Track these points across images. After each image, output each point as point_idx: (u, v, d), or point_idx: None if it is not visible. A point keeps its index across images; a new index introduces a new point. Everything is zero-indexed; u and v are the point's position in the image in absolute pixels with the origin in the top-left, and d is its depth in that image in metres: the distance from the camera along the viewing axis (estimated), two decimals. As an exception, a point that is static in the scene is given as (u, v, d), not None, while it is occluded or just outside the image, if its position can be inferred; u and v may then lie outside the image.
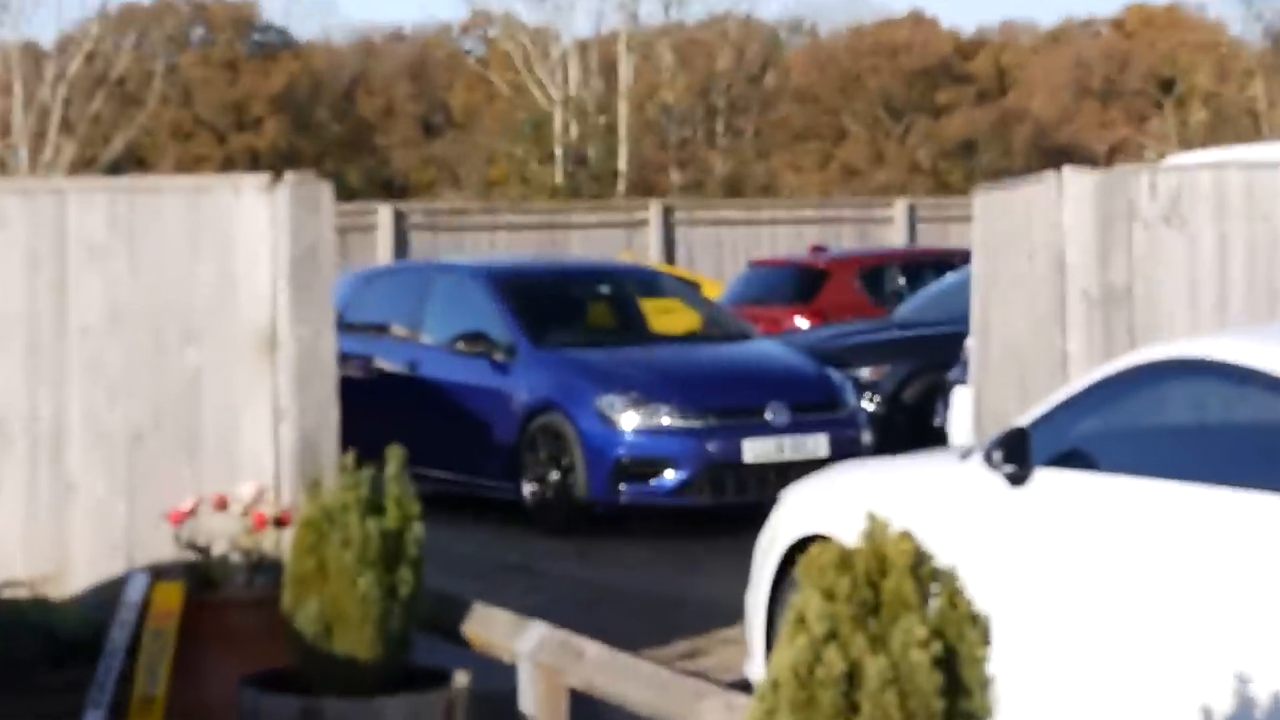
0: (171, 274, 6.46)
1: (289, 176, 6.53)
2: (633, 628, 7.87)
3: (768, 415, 10.51)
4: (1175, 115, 26.40)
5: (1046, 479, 5.38)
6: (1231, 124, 24.24)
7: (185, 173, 30.41)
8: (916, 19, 36.96)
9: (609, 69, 27.67)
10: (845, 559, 2.92)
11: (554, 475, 10.76)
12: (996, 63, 38.22)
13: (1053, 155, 26.16)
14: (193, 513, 6.00)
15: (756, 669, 6.30)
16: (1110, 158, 22.61)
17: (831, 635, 2.85)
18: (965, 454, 5.99)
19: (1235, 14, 30.11)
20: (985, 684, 3.03)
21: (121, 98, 25.43)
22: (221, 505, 5.99)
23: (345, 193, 28.54)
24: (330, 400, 6.51)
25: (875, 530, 2.98)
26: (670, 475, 10.46)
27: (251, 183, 6.56)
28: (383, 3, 75.25)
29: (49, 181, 15.08)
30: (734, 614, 7.40)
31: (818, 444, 10.41)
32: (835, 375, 11.37)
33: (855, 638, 2.87)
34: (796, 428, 10.50)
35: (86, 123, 24.66)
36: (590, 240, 20.61)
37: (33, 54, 25.93)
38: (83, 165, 26.35)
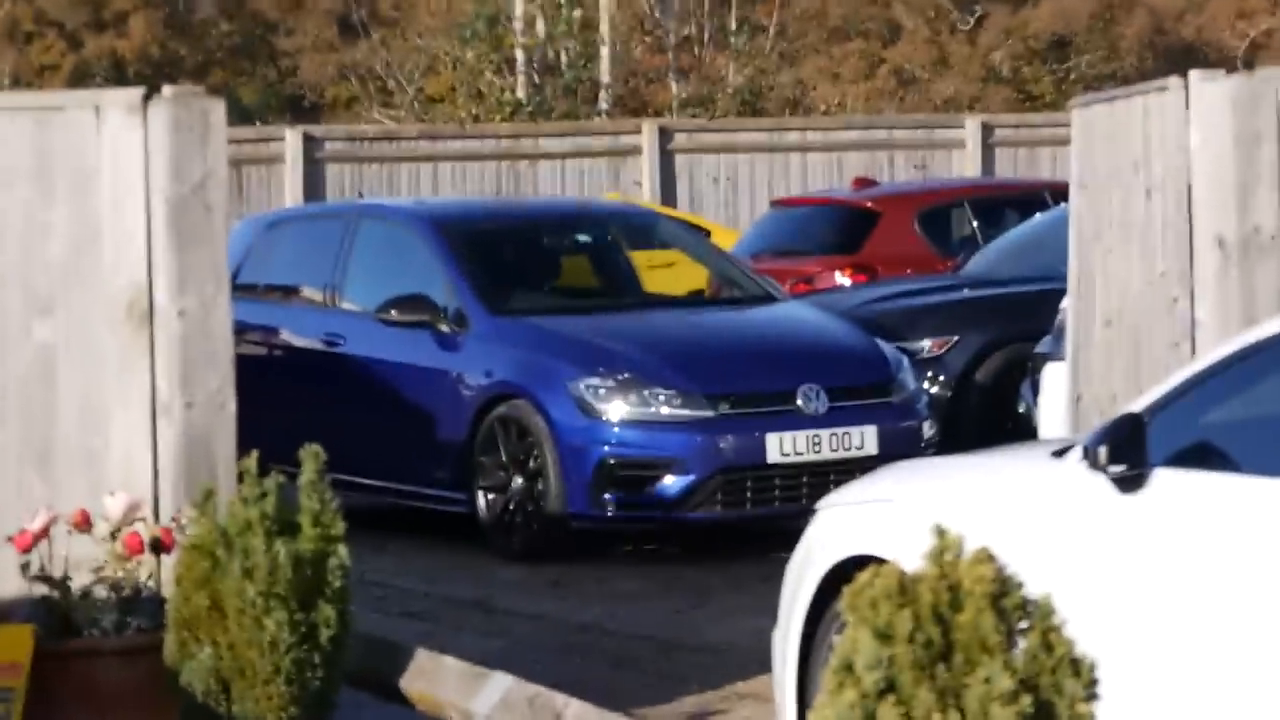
0: (13, 222, 6.63)
1: (167, 91, 6.63)
2: (622, 680, 8.25)
3: (799, 402, 10.67)
4: None
5: (1168, 482, 5.46)
6: None
7: (27, 87, 30.38)
8: None
9: None
10: (905, 588, 3.00)
11: (518, 482, 10.90)
12: None
13: (1174, 56, 26.34)
14: (45, 534, 6.15)
15: None
16: (1249, 58, 22.90)
17: (888, 688, 2.91)
18: (1060, 450, 6.04)
19: None
20: None
21: None
22: (83, 524, 6.14)
23: (239, 113, 28.63)
24: (226, 388, 6.75)
25: (945, 550, 3.07)
26: (671, 481, 10.59)
27: (118, 100, 6.68)
28: None
29: None
30: (755, 661, 7.64)
31: (864, 438, 10.59)
32: (887, 349, 11.52)
33: (919, 691, 2.92)
34: (837, 418, 10.65)
35: None
36: (564, 174, 21.04)
37: None
38: None
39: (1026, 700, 3.04)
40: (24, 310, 6.95)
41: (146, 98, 6.80)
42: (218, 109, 7.03)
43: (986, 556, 3.17)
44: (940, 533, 3.24)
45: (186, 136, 6.82)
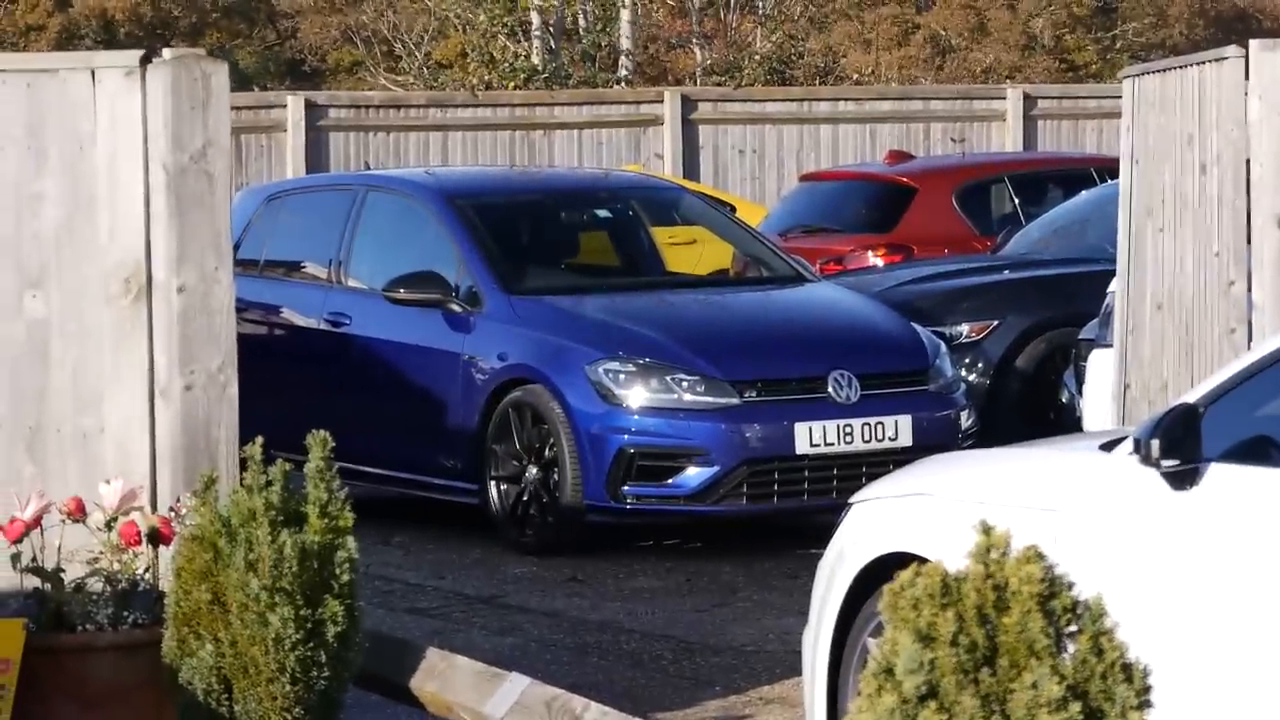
0: (3, 191, 6.65)
1: (167, 54, 6.59)
2: (642, 682, 8.32)
3: (830, 389, 10.65)
4: None
5: (1224, 478, 5.53)
6: None
7: (12, 49, 30.54)
8: None
9: None
10: (948, 588, 2.94)
11: (532, 472, 10.95)
12: None
13: (1225, 23, 26.26)
14: (37, 523, 6.19)
15: None
16: None
17: (930, 693, 2.87)
18: (1109, 443, 6.10)
19: None
20: None
21: None
22: (77, 513, 6.21)
23: (238, 78, 28.73)
24: (227, 369, 6.76)
25: (991, 548, 2.99)
26: (693, 472, 10.59)
27: (114, 63, 6.68)
28: None
29: None
30: (783, 663, 8.00)
31: (899, 428, 10.56)
32: (923, 333, 11.49)
33: (963, 696, 2.88)
34: (870, 406, 10.65)
35: None
36: (581, 145, 21.12)
37: None
38: None
39: (1075, 708, 3.00)
40: (15, 283, 6.98)
41: (145, 60, 6.77)
42: (220, 73, 7.02)
43: (1035, 555, 3.08)
44: (986, 530, 3.16)
45: (187, 102, 6.82)
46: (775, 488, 10.77)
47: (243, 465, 6.10)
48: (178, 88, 6.84)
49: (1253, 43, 9.44)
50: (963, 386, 11.87)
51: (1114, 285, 10.63)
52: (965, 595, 3.05)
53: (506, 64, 26.59)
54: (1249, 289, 9.34)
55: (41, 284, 6.99)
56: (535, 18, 27.94)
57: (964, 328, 12.85)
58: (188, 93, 6.89)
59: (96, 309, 7.01)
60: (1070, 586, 3.08)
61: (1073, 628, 3.06)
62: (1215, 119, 9.91)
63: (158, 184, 6.83)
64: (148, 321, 6.96)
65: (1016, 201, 16.49)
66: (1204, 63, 9.99)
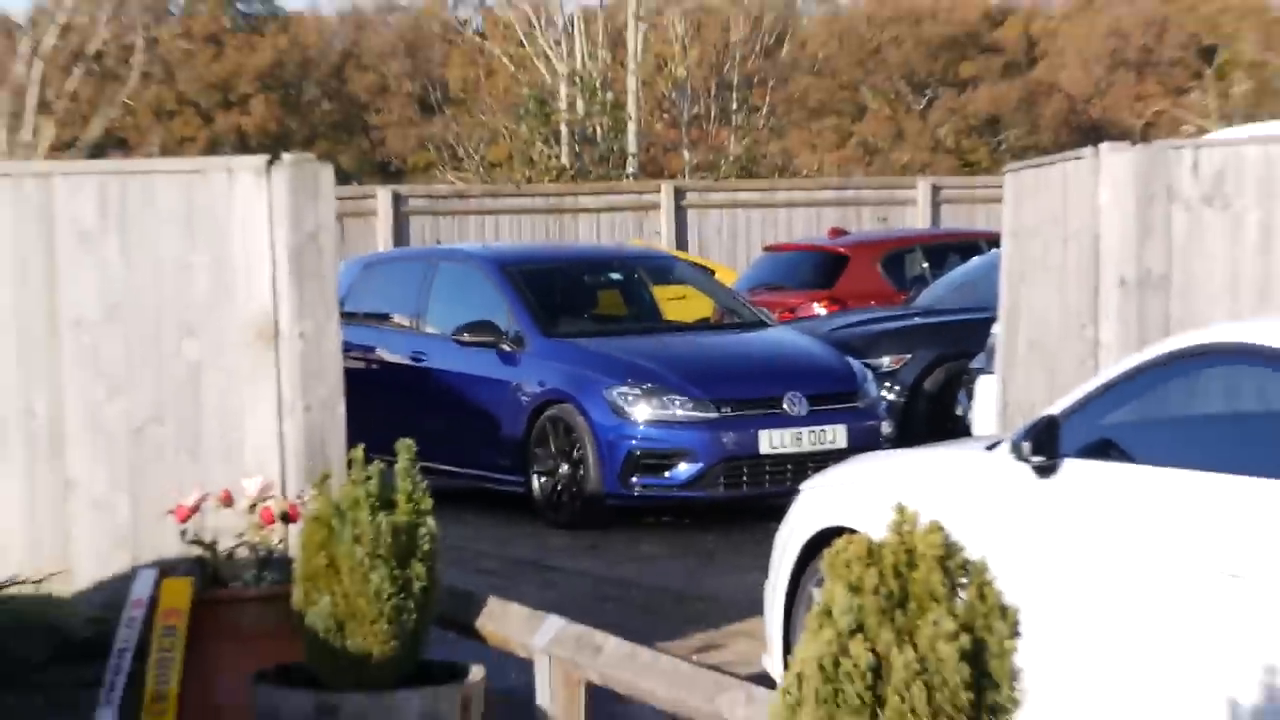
0: (167, 263, 6.56)
1: (287, 158, 6.61)
2: (647, 622, 8.26)
3: (785, 406, 10.72)
4: (1216, 87, 26.58)
5: (1076, 470, 5.50)
6: (1278, 96, 24.66)
7: (170, 155, 30.25)
8: None
9: (617, 41, 28.36)
10: (872, 552, 3.06)
11: (564, 469, 11.08)
12: (1025, 32, 38.45)
13: (1084, 132, 25.68)
14: (198, 508, 6.17)
15: (774, 663, 6.45)
16: (1146, 133, 22.44)
17: (858, 628, 2.99)
18: (991, 445, 6.12)
19: None
20: (1013, 677, 3.15)
21: (101, 74, 25.69)
22: (227, 500, 6.17)
23: (340, 176, 28.68)
24: (336, 394, 6.68)
25: (904, 522, 3.11)
26: (684, 468, 10.74)
27: (247, 165, 6.62)
28: None
29: (33, 164, 15.16)
30: (748, 608, 7.82)
31: (836, 435, 10.68)
32: (855, 364, 11.64)
33: (882, 631, 3.02)
34: (815, 418, 10.72)
35: (64, 101, 24.90)
36: (599, 225, 20.96)
37: (5, 28, 26.07)
38: (63, 147, 26.39)
39: (965, 639, 3.10)
40: (177, 332, 6.79)
41: (270, 163, 6.75)
42: (326, 172, 6.97)
43: (936, 527, 3.21)
44: (900, 509, 3.28)
45: (302, 195, 6.74)
46: (744, 479, 10.82)
47: (349, 465, 5.99)
48: (295, 184, 6.73)
49: (1103, 146, 9.24)
50: (884, 403, 12.00)
51: (996, 328, 10.37)
52: (884, 557, 3.18)
53: (542, 164, 26.42)
54: (1096, 331, 9.06)
55: (196, 333, 6.78)
56: (564, 129, 27.82)
57: (885, 360, 12.69)
58: (303, 188, 6.79)
59: (237, 351, 6.82)
60: (961, 550, 3.19)
61: (963, 580, 3.16)
62: (1074, 203, 9.67)
63: (281, 257, 6.63)
64: (275, 361, 6.82)
65: (925, 266, 16.13)
66: (1067, 160, 9.81)
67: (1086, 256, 9.09)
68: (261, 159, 6.71)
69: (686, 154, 28.39)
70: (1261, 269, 8.63)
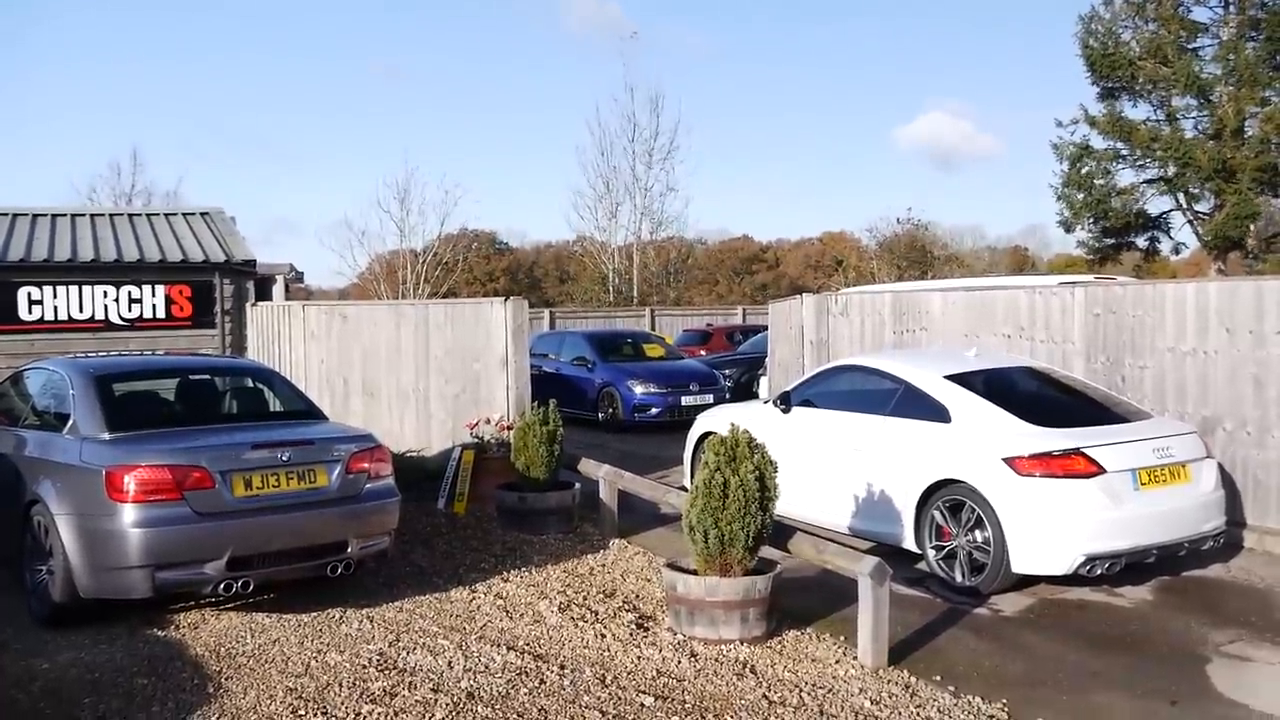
0: (468, 335, 13.01)
1: (511, 299, 13.17)
2: (643, 467, 13.75)
3: (691, 388, 18.72)
4: (842, 275, 47.33)
5: (797, 412, 10.69)
6: (864, 279, 42.58)
7: (471, 297, 45.05)
8: (746, 238, 77.97)
9: (630, 254, 47.61)
10: (723, 440, 7.49)
11: (611, 410, 19.50)
12: (775, 254, 76.46)
13: (798, 290, 40.41)
14: (477, 424, 12.67)
15: (687, 482, 11.56)
16: (818, 289, 34.78)
17: (718, 468, 7.40)
18: (766, 401, 11.57)
19: (866, 236, 55.08)
20: (775, 486, 7.51)
21: (447, 267, 43.36)
22: (488, 421, 12.50)
23: (532, 305, 45.56)
24: (527, 384, 13.15)
25: (734, 430, 7.55)
26: (655, 411, 18.80)
27: (498, 300, 13.26)
28: (545, 224, 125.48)
29: (421, 301, 22.27)
30: (677, 461, 13.57)
31: (708, 399, 18.43)
32: (716, 373, 19.51)
33: (726, 470, 7.40)
34: (701, 392, 18.50)
35: (434, 280, 42.54)
36: (623, 323, 34.11)
37: (411, 252, 44.10)
38: (431, 295, 42.69)
39: (756, 472, 7.36)
40: (472, 360, 13.00)
41: (505, 298, 13.03)
42: (524, 303, 13.28)
43: (746, 432, 7.47)
44: (733, 426, 7.59)
45: (516, 310, 12.98)
46: (676, 415, 18.96)
47: (533, 409, 11.29)
48: (514, 307, 13.06)
49: (805, 295, 15.15)
50: (727, 386, 19.47)
51: (768, 360, 17.12)
52: (728, 440, 7.56)
53: (602, 300, 40.80)
54: (803, 361, 14.43)
55: (480, 360, 12.96)
56: (610, 287, 41.65)
57: (727, 370, 21.16)
58: (517, 308, 13.05)
59: (494, 368, 12.99)
60: (754, 440, 7.53)
61: (756, 454, 7.45)
62: (796, 314, 15.06)
63: (509, 333, 13.09)
64: (506, 372, 13.00)
65: (740, 336, 26.97)
66: (791, 298, 15.38)
67: (797, 333, 14.89)
68: (502, 298, 13.22)
69: (657, 293, 43.03)
70: (861, 340, 14.09)
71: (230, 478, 7.63)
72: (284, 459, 7.89)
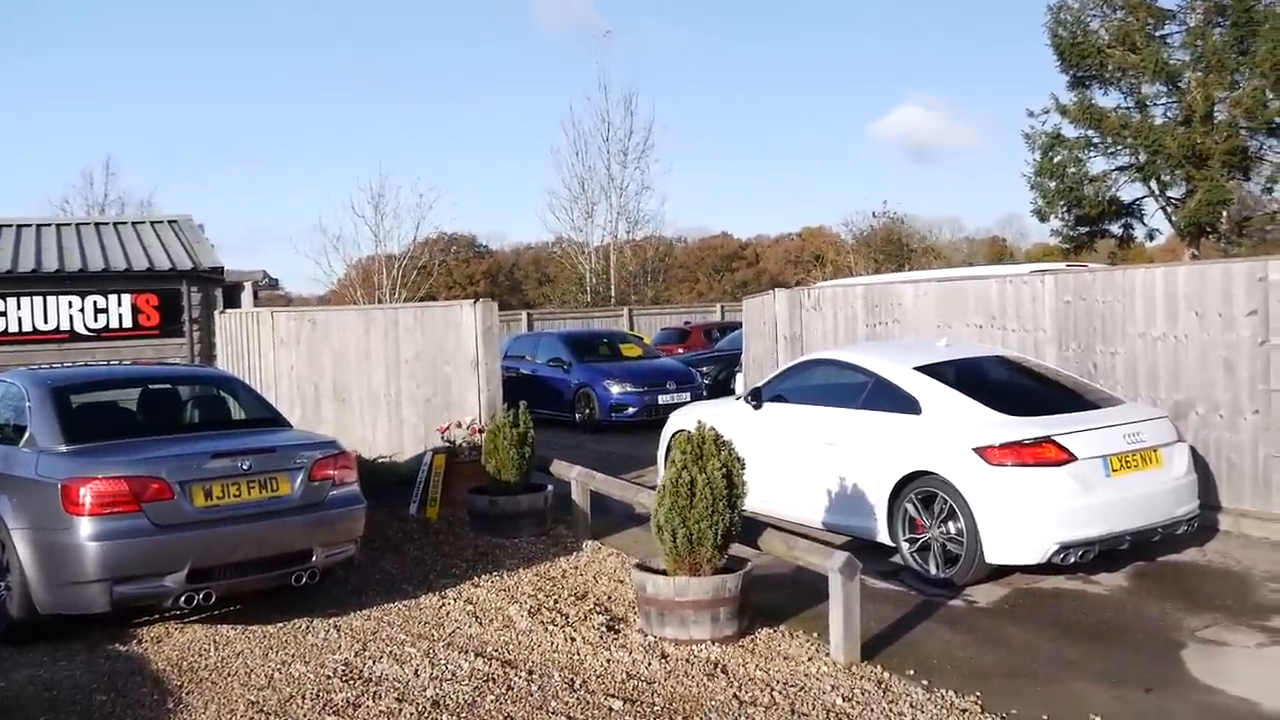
0: (438, 338, 12.91)
1: (480, 301, 13.06)
2: (619, 467, 13.87)
3: (668, 386, 18.39)
4: (820, 270, 47.88)
5: (769, 407, 10.62)
6: (842, 273, 43.41)
7: (445, 299, 45.14)
8: (725, 235, 78.12)
9: (608, 254, 47.58)
10: (690, 437, 7.45)
11: (588, 411, 18.69)
12: (755, 251, 76.22)
13: (778, 286, 41.69)
14: (448, 428, 12.35)
15: (659, 480, 8.21)
16: (798, 284, 34.83)
17: (685, 467, 7.28)
18: (738, 398, 11.27)
19: (844, 230, 57.02)
20: (743, 483, 7.38)
21: (425, 271, 44.09)
22: (459, 425, 12.36)
23: (508, 307, 44.70)
24: (498, 386, 12.95)
25: (701, 427, 7.48)
26: (631, 410, 18.44)
27: (467, 303, 13.09)
28: (525, 226, 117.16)
29: (390, 305, 22.29)
30: (652, 461, 13.64)
31: (685, 397, 18.11)
32: (693, 371, 19.24)
33: (693, 468, 7.28)
34: (678, 390, 18.20)
35: (410, 285, 43.41)
36: (601, 323, 34.05)
37: (387, 257, 44.92)
38: (408, 300, 43.39)
39: (723, 469, 7.21)
40: (442, 363, 12.91)
41: (475, 301, 12.97)
42: (494, 305, 13.14)
43: (713, 430, 7.39)
44: (700, 423, 7.49)
45: (486, 312, 12.87)
46: (653, 414, 18.59)
47: (504, 411, 11.34)
48: (484, 309, 12.94)
49: (777, 290, 15.13)
50: (704, 385, 19.14)
51: (743, 356, 16.73)
52: (694, 438, 7.42)
53: (580, 300, 40.81)
54: (777, 355, 14.35)
55: (451, 362, 12.90)
56: (588, 287, 40.91)
57: (705, 368, 20.74)
58: (486, 310, 12.92)
59: (465, 370, 12.86)
60: (721, 437, 7.44)
61: (724, 451, 7.33)
62: (770, 309, 15.06)
63: (478, 335, 12.79)
64: (478, 374, 12.84)
65: (719, 334, 26.54)
66: (765, 293, 15.37)
67: (771, 328, 14.88)
68: (471, 300, 13.11)
69: (635, 293, 42.99)
70: (834, 334, 14.02)
71: (190, 488, 7.48)
72: (245, 468, 7.75)
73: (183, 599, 7.44)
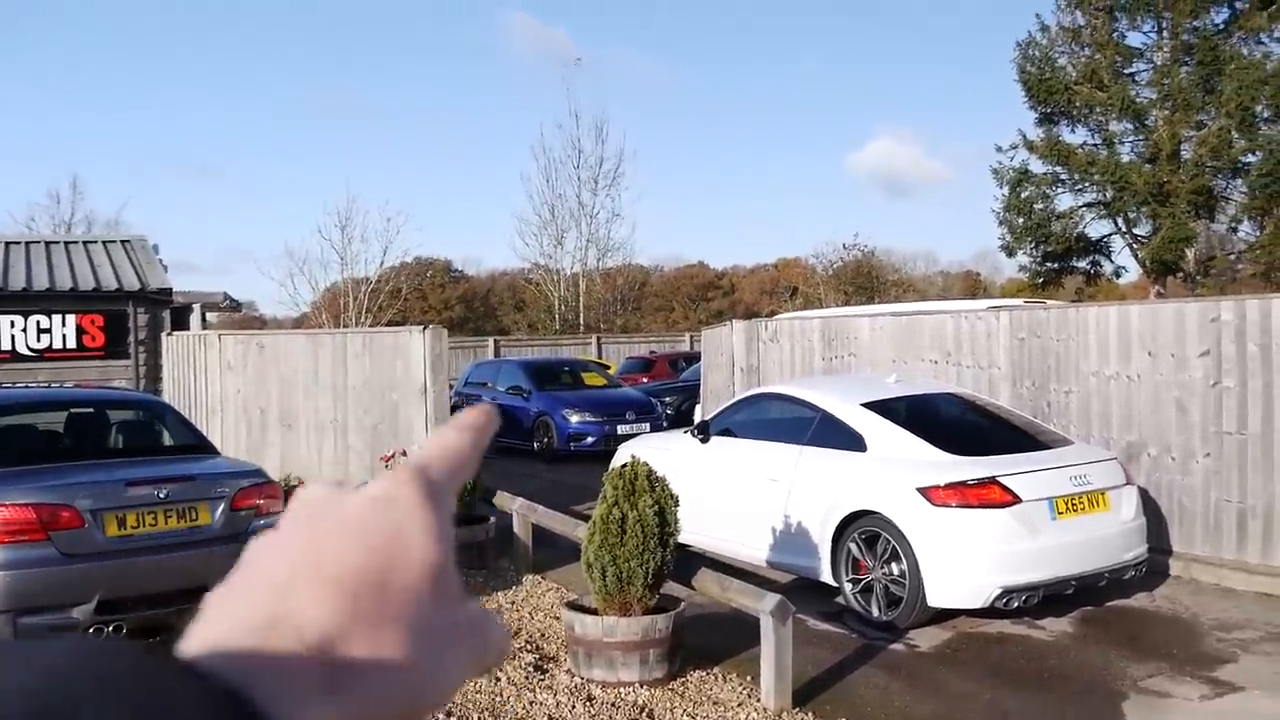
0: (386, 364, 12.92)
1: (430, 327, 13.13)
2: (572, 497, 13.52)
3: (627, 416, 17.97)
4: (792, 302, 48.24)
5: (716, 441, 10.38)
6: (813, 305, 44.15)
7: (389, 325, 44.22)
8: (702, 264, 77.35)
9: (577, 281, 47.56)
10: (621, 472, 7.31)
11: (546, 440, 18.26)
12: (730, 281, 75.20)
13: (752, 316, 42.28)
14: (393, 457, 11.74)
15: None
16: (769, 315, 35.22)
17: (616, 503, 7.20)
18: (686, 431, 11.07)
19: (817, 262, 57.04)
20: (676, 521, 7.30)
21: (394, 295, 43.79)
22: (404, 454, 11.76)
23: (481, 332, 47.08)
24: (446, 414, 12.57)
25: (633, 462, 7.47)
26: (590, 440, 17.99)
27: (416, 329, 12.87)
28: (499, 252, 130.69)
29: (342, 330, 21.75)
30: (599, 487, 12.26)
31: (644, 427, 17.48)
32: (653, 401, 18.97)
33: (624, 504, 7.16)
34: (637, 421, 17.78)
35: (376, 310, 42.93)
36: (570, 351, 33.29)
37: (355, 281, 44.13)
38: (373, 324, 42.51)
39: (655, 506, 7.14)
40: (389, 389, 12.66)
41: (424, 329, 12.76)
42: (444, 332, 12.86)
43: (645, 464, 7.42)
44: (633, 456, 7.81)
45: (435, 339, 12.70)
46: (611, 444, 15.86)
47: None
48: (433, 335, 12.72)
49: (734, 321, 15.02)
50: (667, 414, 18.95)
51: (702, 388, 16.43)
52: (626, 473, 7.40)
53: (549, 328, 39.90)
54: (733, 386, 14.15)
55: (396, 389, 12.80)
56: (557, 315, 40.94)
57: (667, 399, 20.43)
58: (435, 336, 12.72)
59: (412, 398, 12.70)
60: (654, 472, 7.41)
61: (657, 488, 7.29)
62: (726, 341, 14.92)
63: (426, 363, 12.95)
64: (425, 401, 12.71)
65: (684, 364, 26.09)
66: (723, 325, 15.28)
67: (727, 360, 14.68)
68: (420, 327, 12.91)
69: (603, 322, 42.32)
70: (791, 367, 13.85)
71: (102, 517, 7.19)
72: (162, 496, 7.46)
73: (91, 632, 7.13)
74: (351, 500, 0.54)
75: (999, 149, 33.10)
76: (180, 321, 15.03)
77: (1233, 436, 9.72)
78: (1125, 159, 31.04)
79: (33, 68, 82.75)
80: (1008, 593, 7.99)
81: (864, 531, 8.60)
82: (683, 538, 8.02)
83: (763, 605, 6.79)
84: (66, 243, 16.50)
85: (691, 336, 38.25)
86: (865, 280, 50.04)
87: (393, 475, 0.56)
